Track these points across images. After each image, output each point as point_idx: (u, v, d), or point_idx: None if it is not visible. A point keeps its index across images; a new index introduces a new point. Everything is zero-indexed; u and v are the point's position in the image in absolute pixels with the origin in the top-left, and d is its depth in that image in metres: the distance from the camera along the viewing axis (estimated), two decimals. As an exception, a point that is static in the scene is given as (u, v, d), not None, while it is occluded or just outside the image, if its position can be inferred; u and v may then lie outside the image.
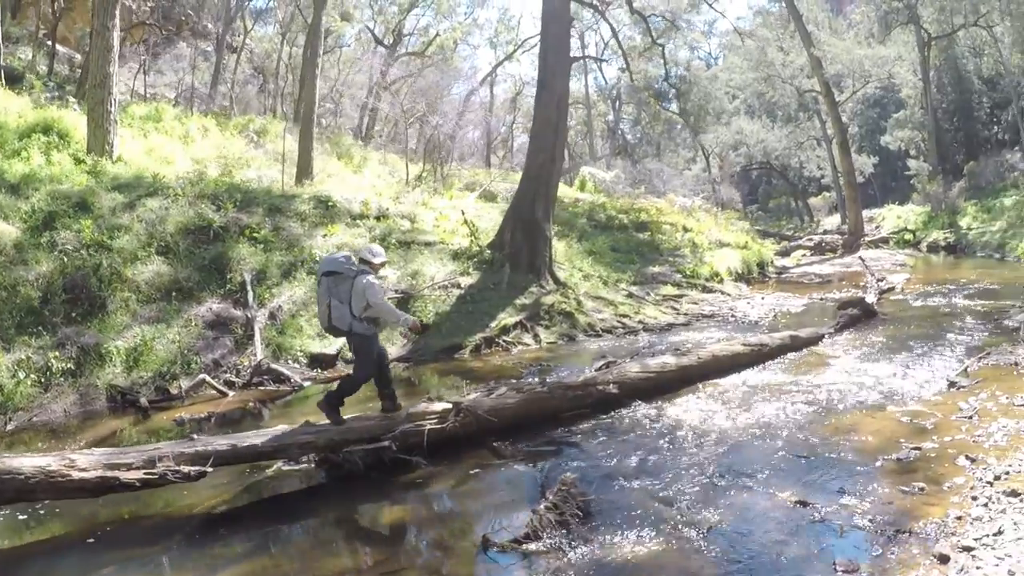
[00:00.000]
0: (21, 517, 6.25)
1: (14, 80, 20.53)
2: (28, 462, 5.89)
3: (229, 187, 14.87)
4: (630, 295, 16.21)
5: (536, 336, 13.31)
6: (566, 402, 8.50)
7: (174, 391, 10.12)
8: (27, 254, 11.16)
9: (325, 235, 14.52)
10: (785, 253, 29.29)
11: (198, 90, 27.40)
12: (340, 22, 27.45)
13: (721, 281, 19.01)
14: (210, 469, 6.26)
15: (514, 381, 9.85)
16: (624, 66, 26.62)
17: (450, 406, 7.65)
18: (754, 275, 21.73)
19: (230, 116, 23.41)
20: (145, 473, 6.02)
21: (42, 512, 6.32)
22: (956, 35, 35.79)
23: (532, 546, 5.29)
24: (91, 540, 5.86)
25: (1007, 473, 6.07)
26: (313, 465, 7.24)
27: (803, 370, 10.25)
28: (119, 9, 15.92)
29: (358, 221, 15.67)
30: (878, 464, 6.56)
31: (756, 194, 54.57)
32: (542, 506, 5.60)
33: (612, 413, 8.51)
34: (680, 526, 5.49)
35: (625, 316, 14.78)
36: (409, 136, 26.01)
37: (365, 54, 32.16)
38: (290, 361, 11.53)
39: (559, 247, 18.13)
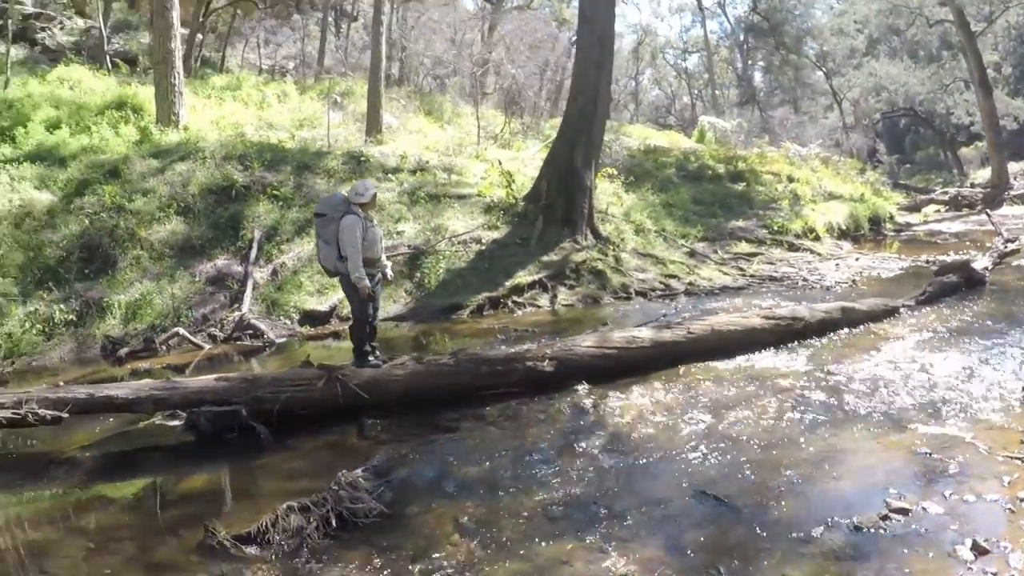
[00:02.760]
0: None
1: (129, 62, 21.90)
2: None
3: (259, 147, 14.80)
4: (691, 253, 14.56)
5: (554, 297, 12.15)
6: (479, 379, 7.33)
7: (160, 343, 10.26)
8: (57, 218, 11.96)
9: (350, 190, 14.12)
10: (915, 208, 25.56)
11: (313, 58, 27.83)
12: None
13: (816, 238, 16.70)
14: (66, 415, 6.33)
15: (476, 349, 8.77)
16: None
17: (322, 373, 6.97)
18: (864, 232, 18.95)
19: (318, 80, 23.54)
20: (12, 412, 6.21)
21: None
22: None
23: (249, 549, 4.51)
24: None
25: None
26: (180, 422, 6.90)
27: (839, 356, 8.09)
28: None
29: (390, 175, 15.11)
30: (816, 534, 4.37)
31: (903, 144, 48.41)
32: (284, 506, 4.74)
33: (545, 396, 7.16)
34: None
35: (672, 277, 13.25)
36: (518, 89, 25.03)
37: (480, 11, 31.58)
38: (282, 318, 11.32)
39: (628, 199, 16.76)
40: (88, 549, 4.79)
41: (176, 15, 16.38)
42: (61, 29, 23.34)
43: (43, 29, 22.52)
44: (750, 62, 46.68)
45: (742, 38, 44.61)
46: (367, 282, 7.24)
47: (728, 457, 5.57)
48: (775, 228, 16.63)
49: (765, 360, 8.14)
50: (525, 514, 4.84)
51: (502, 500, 5.08)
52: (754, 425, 6.19)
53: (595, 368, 7.69)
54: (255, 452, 6.31)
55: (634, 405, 6.88)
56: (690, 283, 13.02)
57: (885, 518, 4.46)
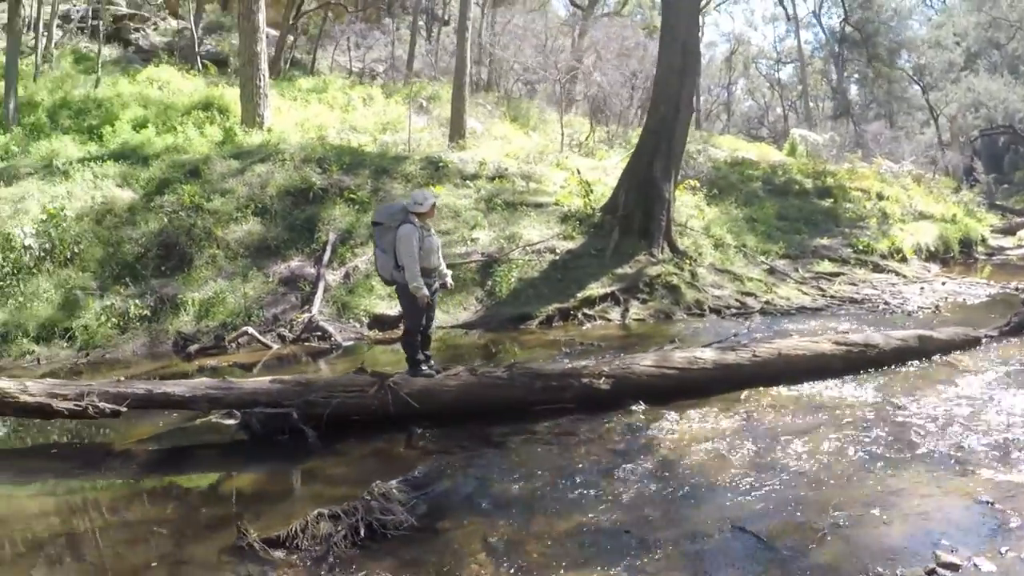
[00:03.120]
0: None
1: (220, 63, 22.64)
2: (-8, 385, 6.48)
3: (339, 150, 15.05)
4: (771, 270, 14.11)
5: (625, 311, 11.96)
6: (533, 393, 7.22)
7: (229, 341, 10.52)
8: (137, 216, 12.45)
9: (426, 196, 14.21)
10: (1010, 231, 24.18)
11: (403, 62, 28.21)
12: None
13: (903, 259, 15.93)
14: (124, 409, 6.59)
15: (540, 362, 8.62)
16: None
17: (374, 380, 7.00)
18: (954, 254, 18.09)
19: (407, 84, 23.77)
20: (74, 404, 6.48)
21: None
22: None
23: (277, 552, 4.55)
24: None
25: None
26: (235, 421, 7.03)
27: (911, 387, 7.60)
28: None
29: (468, 182, 15.16)
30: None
31: (1001, 163, 45.59)
32: (315, 512, 4.76)
33: (600, 415, 7.00)
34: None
35: (749, 295, 12.85)
36: (604, 97, 24.80)
37: (571, 18, 31.44)
38: (352, 321, 11.47)
39: (710, 212, 16.38)
40: (127, 540, 4.95)
41: (262, 18, 16.84)
42: (155, 30, 24.31)
43: (137, 30, 23.49)
44: (845, 74, 45.11)
45: (837, 49, 43.15)
46: (426, 292, 7.17)
47: (776, 492, 5.27)
48: (860, 247, 16.00)
49: (833, 388, 7.73)
50: (556, 537, 4.71)
51: (535, 521, 4.95)
52: (809, 458, 5.85)
53: (653, 388, 7.48)
54: (303, 455, 6.38)
55: (688, 429, 6.65)
56: (767, 302, 12.62)
57: (931, 573, 4.08)
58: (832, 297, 13.14)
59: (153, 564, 4.57)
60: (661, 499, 5.26)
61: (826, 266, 14.88)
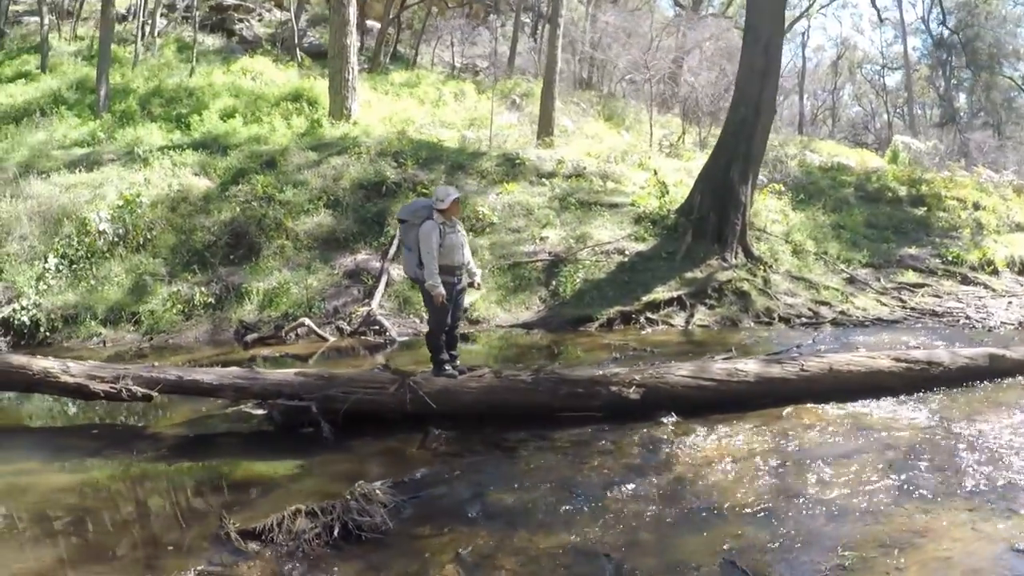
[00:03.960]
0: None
1: (322, 56, 23.21)
2: (38, 363, 6.91)
3: (416, 144, 15.13)
4: (851, 279, 13.37)
5: (690, 316, 11.57)
6: (558, 399, 7.02)
7: (286, 332, 10.72)
8: (211, 204, 12.84)
9: (499, 193, 14.20)
10: None
11: (506, 59, 28.17)
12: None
13: (994, 272, 14.76)
14: (156, 394, 6.86)
15: (573, 367, 8.47)
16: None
17: (396, 378, 6.97)
18: (1049, 268, 16.74)
19: (500, 80, 23.72)
20: (110, 387, 6.80)
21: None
22: None
23: (252, 544, 4.59)
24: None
25: None
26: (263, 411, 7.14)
27: (972, 412, 6.96)
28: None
29: (543, 180, 15.01)
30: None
31: None
32: (291, 509, 4.75)
33: (627, 425, 6.73)
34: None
35: (823, 304, 12.23)
36: (696, 98, 24.10)
37: (676, 18, 30.71)
38: (411, 316, 11.52)
39: (794, 218, 15.69)
40: (121, 521, 5.13)
41: (352, 11, 17.14)
42: (259, 21, 25.04)
43: (241, 20, 24.20)
44: (954, 82, 42.62)
45: (945, 56, 40.75)
46: (441, 289, 6.99)
47: (789, 522, 4.87)
48: (949, 258, 14.97)
49: (885, 409, 7.16)
50: (532, 555, 4.50)
51: (518, 535, 4.76)
52: (838, 486, 5.40)
53: (687, 399, 7.15)
54: (317, 449, 6.39)
55: (713, 447, 6.28)
56: (841, 312, 11.98)
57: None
58: (912, 309, 12.37)
59: (137, 545, 4.71)
60: (660, 521, 4.98)
61: (910, 276, 14.02)
